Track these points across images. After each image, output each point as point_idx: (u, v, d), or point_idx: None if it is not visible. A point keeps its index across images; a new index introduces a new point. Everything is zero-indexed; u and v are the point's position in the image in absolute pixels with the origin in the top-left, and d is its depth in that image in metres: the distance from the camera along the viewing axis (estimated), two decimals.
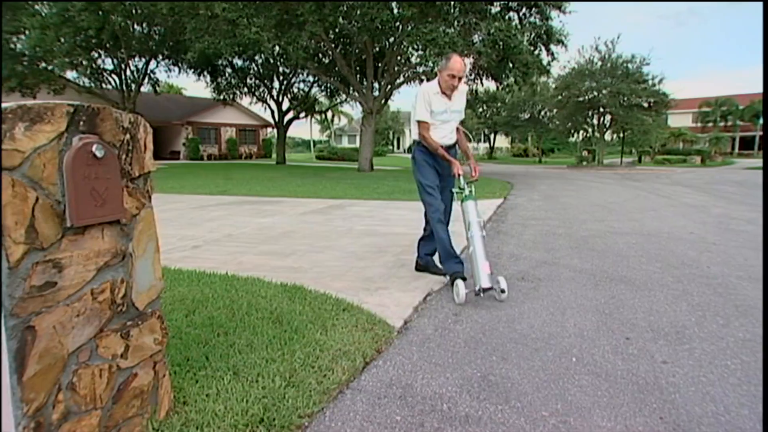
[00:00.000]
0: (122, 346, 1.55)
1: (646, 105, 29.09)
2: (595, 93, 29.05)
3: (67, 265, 1.36)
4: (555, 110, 33.78)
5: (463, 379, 2.14)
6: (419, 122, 3.50)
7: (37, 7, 19.11)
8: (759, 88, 42.87)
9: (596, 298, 3.31)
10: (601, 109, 29.89)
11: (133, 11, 19.39)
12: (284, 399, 1.85)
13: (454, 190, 3.52)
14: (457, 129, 3.69)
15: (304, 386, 1.96)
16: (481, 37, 16.49)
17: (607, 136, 33.35)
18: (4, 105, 1.22)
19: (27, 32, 18.65)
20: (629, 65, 28.32)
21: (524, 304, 3.20)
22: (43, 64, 20.44)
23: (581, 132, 34.75)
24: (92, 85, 23.24)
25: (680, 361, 2.32)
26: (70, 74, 22.54)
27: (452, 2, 15.97)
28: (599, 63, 28.95)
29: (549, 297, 3.35)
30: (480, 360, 2.34)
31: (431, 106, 3.47)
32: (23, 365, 1.24)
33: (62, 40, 18.62)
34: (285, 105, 28.28)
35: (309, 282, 3.43)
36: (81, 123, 1.39)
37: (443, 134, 3.56)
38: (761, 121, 42.07)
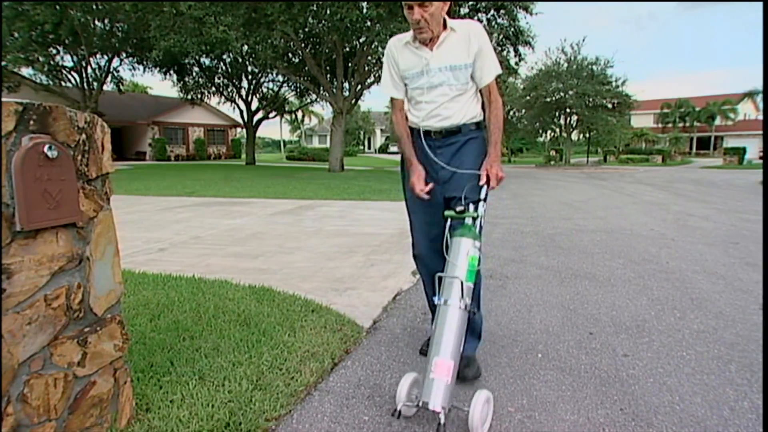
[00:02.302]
0: (79, 354, 1.50)
1: (610, 106, 29.99)
2: (562, 94, 29.76)
3: (16, 271, 1.30)
4: (523, 111, 34.39)
5: None
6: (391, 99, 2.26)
7: None
8: (713, 91, 44.68)
9: (562, 295, 3.38)
10: (568, 110, 30.64)
11: (94, 6, 18.78)
12: (251, 402, 1.82)
13: (449, 212, 2.02)
14: (485, 99, 2.15)
15: (271, 389, 1.93)
16: None
17: (574, 136, 34.22)
18: None
19: None
20: (594, 67, 29.13)
21: (492, 302, 3.25)
22: None
23: (549, 132, 35.55)
24: (50, 82, 22.41)
25: (640, 353, 2.40)
26: (26, 71, 21.66)
27: None
28: (565, 64, 29.67)
29: (516, 294, 3.41)
30: None
31: (398, 65, 2.15)
32: None
33: (16, 34, 17.86)
34: (254, 105, 27.91)
35: (278, 283, 3.39)
36: (31, 122, 1.33)
37: (428, 111, 2.12)
38: (715, 122, 43.90)
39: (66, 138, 1.44)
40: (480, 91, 2.18)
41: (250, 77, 26.73)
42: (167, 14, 15.42)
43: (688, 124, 47.80)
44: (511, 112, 40.35)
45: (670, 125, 47.91)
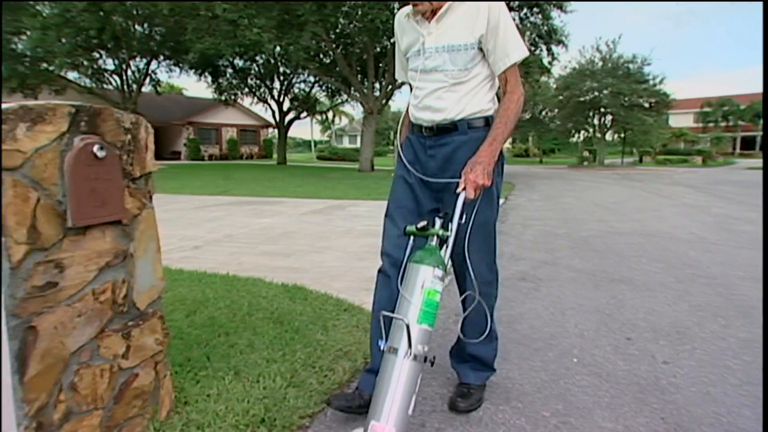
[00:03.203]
0: (123, 347, 1.55)
1: (647, 105, 29.15)
2: (596, 93, 29.10)
3: (68, 266, 1.36)
4: (556, 110, 33.78)
5: None
6: None
7: (38, 7, 19.14)
8: (759, 88, 42.86)
9: (597, 299, 3.31)
10: (602, 110, 29.94)
11: (134, 12, 19.42)
12: (285, 399, 1.85)
13: (410, 228, 1.65)
14: (501, 91, 1.75)
15: (305, 386, 1.95)
16: None
17: (608, 137, 33.37)
18: (5, 106, 1.22)
19: (28, 33, 18.68)
20: (630, 65, 28.38)
21: (524, 304, 3.20)
22: (45, 65, 20.46)
23: (582, 132, 34.80)
24: (93, 85, 23.28)
25: (681, 361, 2.32)
26: (71, 75, 22.57)
27: None
28: (600, 63, 29.00)
29: (549, 297, 3.35)
30: None
31: (402, 42, 1.85)
32: (25, 365, 1.24)
33: (63, 40, 18.66)
34: (286, 105, 28.31)
35: (309, 282, 3.43)
36: (82, 123, 1.39)
37: (419, 101, 1.78)
38: (762, 120, 42.02)
39: (113, 138, 1.50)
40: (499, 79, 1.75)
41: (281, 78, 27.14)
42: (203, 17, 15.81)
43: (731, 124, 45.92)
44: (543, 112, 39.72)
45: (711, 124, 46.14)
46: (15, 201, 1.21)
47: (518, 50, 1.69)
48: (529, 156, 48.47)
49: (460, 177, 1.65)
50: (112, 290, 1.51)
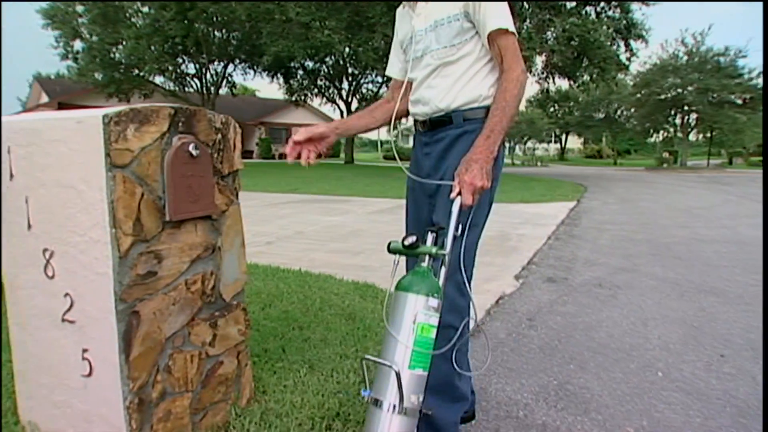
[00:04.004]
0: (210, 335, 1.64)
1: (739, 102, 26.82)
2: (679, 90, 27.21)
3: (165, 256, 1.46)
4: (633, 109, 31.95)
5: (539, 386, 2.07)
6: None
7: (133, 19, 20.81)
8: None
9: (683, 310, 3.09)
10: (686, 108, 27.93)
11: (215, 18, 20.55)
12: (359, 395, 1.87)
13: (395, 245, 1.33)
14: (504, 76, 1.42)
15: None
16: (555, 35, 15.93)
17: (691, 136, 31.11)
18: (115, 109, 1.32)
19: (124, 43, 20.35)
20: (721, 58, 26.22)
21: (602, 312, 3.06)
22: (136, 71, 22.21)
23: (661, 132, 32.70)
24: (176, 88, 24.91)
25: None
26: (158, 79, 24.27)
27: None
28: (685, 57, 27.06)
29: (629, 306, 3.17)
30: (556, 368, 2.25)
31: (398, 33, 1.68)
32: (129, 346, 1.34)
33: (152, 48, 20.14)
34: (354, 105, 28.80)
35: (379, 280, 3.46)
36: (180, 124, 1.48)
37: (414, 89, 1.60)
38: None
39: (206, 138, 1.58)
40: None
41: (350, 79, 27.66)
42: (277, 21, 16.43)
43: None
44: (618, 111, 37.70)
45: None
46: (124, 196, 1.32)
47: (498, 17, 1.40)
48: (602, 157, 46.21)
49: (453, 179, 1.36)
50: (202, 281, 1.60)
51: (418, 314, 1.21)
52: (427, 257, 1.29)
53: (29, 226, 1.47)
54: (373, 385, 1.23)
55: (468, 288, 1.44)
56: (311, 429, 1.64)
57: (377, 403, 1.20)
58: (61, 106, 24.38)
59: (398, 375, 1.17)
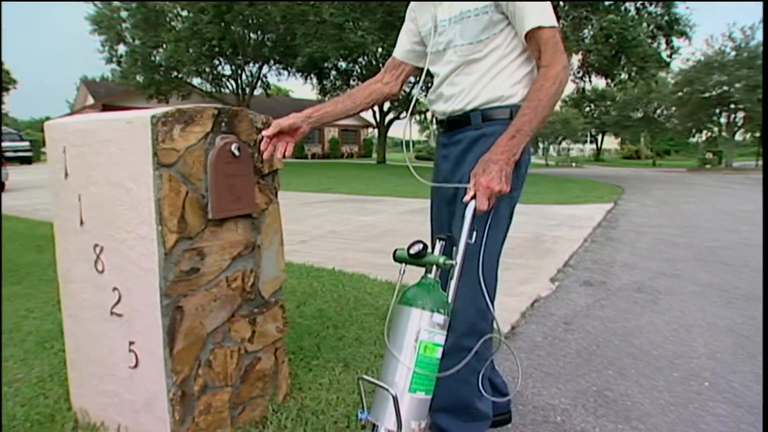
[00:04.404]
0: (249, 332, 1.67)
1: None
2: (725, 87, 26.09)
3: (208, 254, 1.49)
4: (673, 108, 30.87)
5: (576, 391, 2.02)
6: None
7: (173, 23, 21.50)
8: None
9: (730, 318, 2.96)
10: (732, 106, 26.76)
11: (250, 20, 20.97)
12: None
13: (400, 252, 1.29)
14: (542, 72, 1.28)
15: None
16: (592, 32, 15.56)
17: (738, 136, 29.81)
18: (162, 110, 1.36)
19: (164, 46, 21.05)
20: None
21: (642, 317, 2.96)
22: (175, 73, 22.92)
23: (704, 132, 31.47)
24: (213, 89, 25.54)
25: None
26: (195, 81, 24.96)
27: None
28: (732, 53, 25.91)
29: (671, 312, 3.07)
30: (595, 373, 2.20)
31: (417, 19, 1.52)
32: (173, 340, 1.39)
33: (191, 50, 20.74)
34: (386, 105, 28.85)
35: (413, 282, 3.45)
36: (223, 124, 1.52)
37: (435, 86, 1.49)
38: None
39: (247, 137, 1.61)
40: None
41: None
42: (311, 22, 16.63)
43: None
44: (658, 110, 36.51)
45: None
46: (169, 194, 1.36)
47: (537, 12, 1.26)
48: (640, 158, 44.84)
49: (465, 182, 1.25)
50: (242, 278, 1.63)
51: (421, 331, 1.11)
52: (434, 268, 1.19)
53: (81, 223, 1.54)
54: (370, 407, 1.13)
55: (491, 309, 1.32)
56: (347, 427, 1.65)
57: (374, 428, 1.11)
58: (105, 108, 25.38)
59: (396, 399, 1.06)
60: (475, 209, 1.20)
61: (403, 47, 1.58)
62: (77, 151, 1.51)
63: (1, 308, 2.78)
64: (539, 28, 1.27)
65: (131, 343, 1.47)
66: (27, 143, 23.43)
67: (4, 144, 21.09)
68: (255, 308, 1.70)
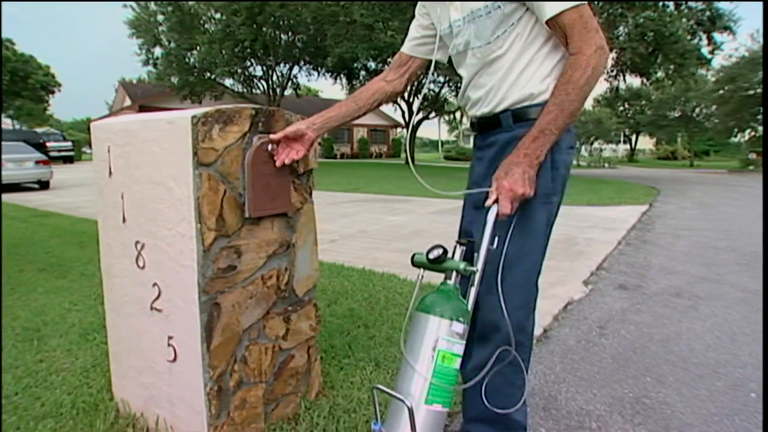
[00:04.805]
0: (283, 329, 1.69)
1: None
2: None
3: (244, 252, 1.52)
4: (714, 107, 29.76)
5: (612, 398, 1.97)
6: None
7: (207, 25, 22.01)
8: None
9: None
10: None
11: (281, 22, 21.25)
12: None
13: (419, 257, 1.25)
14: (569, 61, 1.15)
15: None
16: (627, 30, 15.13)
17: None
18: (202, 110, 1.39)
19: (198, 48, 21.57)
20: None
21: (681, 323, 2.87)
22: (208, 74, 23.45)
23: (748, 131, 30.21)
24: (244, 90, 26.00)
25: None
26: (228, 81, 25.46)
27: None
28: None
29: (713, 318, 2.96)
30: (631, 380, 2.14)
31: (429, 13, 1.46)
32: (210, 336, 1.42)
33: (223, 52, 21.18)
34: (416, 105, 28.78)
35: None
36: (260, 124, 1.54)
37: (462, 88, 1.42)
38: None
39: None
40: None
41: (412, 78, 27.64)
42: (342, 23, 16.73)
43: None
44: (697, 109, 35.26)
45: None
46: (208, 193, 1.39)
47: None
48: (676, 159, 43.41)
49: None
50: (277, 276, 1.65)
51: (439, 340, 1.06)
52: (454, 274, 1.15)
53: (124, 220, 1.59)
54: (384, 418, 1.09)
55: (533, 315, 1.29)
56: (371, 428, 1.65)
57: None
58: (142, 109, 26.18)
59: (411, 411, 1.02)
60: (497, 214, 1.16)
61: (412, 41, 1.52)
62: (121, 150, 1.55)
63: (1, 306, 2.88)
64: (560, 13, 1.13)
65: (170, 337, 1.51)
66: (69, 143, 24.48)
67: (49, 144, 22.05)
68: (289, 306, 1.72)
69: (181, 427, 1.54)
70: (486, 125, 1.35)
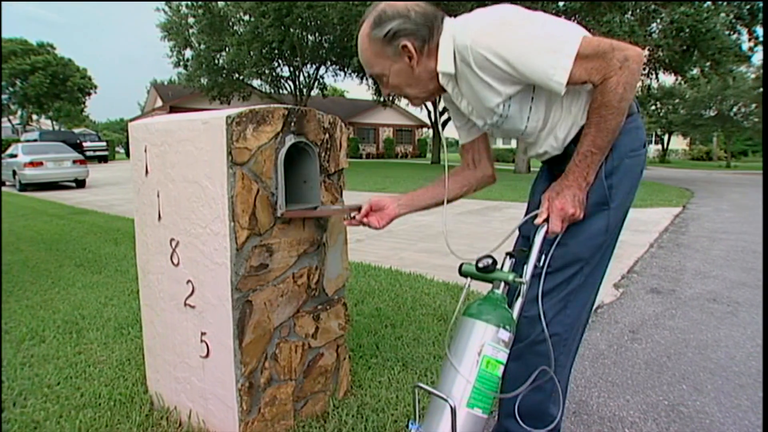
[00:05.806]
0: (313, 328, 1.71)
1: None
2: None
3: (276, 250, 1.54)
4: (753, 105, 28.70)
5: (646, 404, 1.92)
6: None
7: (235, 27, 22.40)
8: None
9: None
10: None
11: (309, 23, 21.46)
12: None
13: (467, 267, 1.25)
14: (597, 92, 1.12)
15: None
16: (661, 26, 14.71)
17: None
18: (236, 110, 1.41)
19: (227, 49, 21.97)
20: None
21: (719, 330, 2.77)
22: (236, 75, 23.85)
23: None
24: (272, 91, 26.36)
25: None
26: (255, 82, 25.84)
27: None
28: None
29: (753, 325, 2.85)
30: (666, 387, 2.08)
31: (452, 104, 1.47)
32: (242, 333, 1.44)
33: (251, 53, 21.52)
34: (441, 105, 28.65)
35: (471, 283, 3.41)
36: (292, 124, 1.55)
37: (519, 141, 1.41)
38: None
39: (314, 137, 1.65)
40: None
41: None
42: None
43: None
44: (734, 108, 34.07)
45: None
46: (242, 192, 1.41)
47: (547, 65, 1.10)
48: (712, 159, 42.02)
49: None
50: (308, 275, 1.67)
51: (485, 346, 1.07)
52: (501, 284, 1.17)
53: (159, 218, 1.63)
54: (423, 418, 1.09)
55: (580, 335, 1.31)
56: (407, 427, 1.65)
57: None
58: (172, 109, 26.81)
59: (454, 411, 1.01)
60: (546, 232, 1.18)
61: (461, 130, 1.54)
62: (157, 150, 1.59)
63: (1, 305, 2.96)
64: (569, 79, 1.10)
65: (203, 333, 1.54)
66: (104, 143, 25.29)
67: (86, 144, 22.82)
68: (319, 305, 1.73)
69: (213, 422, 1.57)
70: (552, 160, 1.37)
